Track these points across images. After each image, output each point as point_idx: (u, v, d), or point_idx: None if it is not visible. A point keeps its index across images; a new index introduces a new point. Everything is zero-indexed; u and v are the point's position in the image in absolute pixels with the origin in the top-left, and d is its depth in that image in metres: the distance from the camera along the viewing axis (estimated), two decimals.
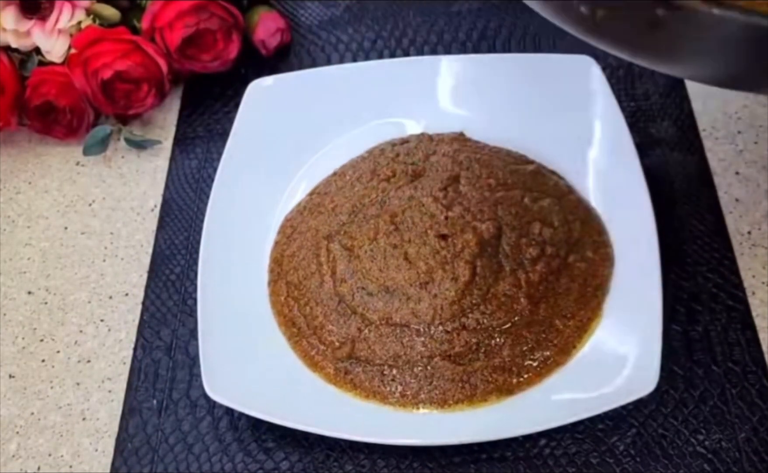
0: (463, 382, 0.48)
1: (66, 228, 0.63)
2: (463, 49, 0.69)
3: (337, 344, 0.50)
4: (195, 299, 0.54)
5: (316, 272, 0.53)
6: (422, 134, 0.61)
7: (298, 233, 0.57)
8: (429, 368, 0.48)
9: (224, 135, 0.61)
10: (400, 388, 0.48)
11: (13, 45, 0.66)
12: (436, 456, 0.48)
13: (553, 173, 0.57)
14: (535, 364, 0.48)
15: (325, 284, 0.53)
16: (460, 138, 0.60)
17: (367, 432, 0.47)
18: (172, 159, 0.65)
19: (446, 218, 0.53)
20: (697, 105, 0.62)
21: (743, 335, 0.50)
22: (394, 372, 0.49)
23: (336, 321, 0.51)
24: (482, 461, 0.47)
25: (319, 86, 0.63)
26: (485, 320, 0.49)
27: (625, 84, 0.63)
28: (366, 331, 0.50)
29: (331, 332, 0.51)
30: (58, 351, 0.56)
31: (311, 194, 0.60)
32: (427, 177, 0.56)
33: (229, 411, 0.50)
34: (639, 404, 0.45)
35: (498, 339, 0.49)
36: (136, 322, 0.56)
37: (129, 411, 0.52)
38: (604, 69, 0.59)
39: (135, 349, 0.55)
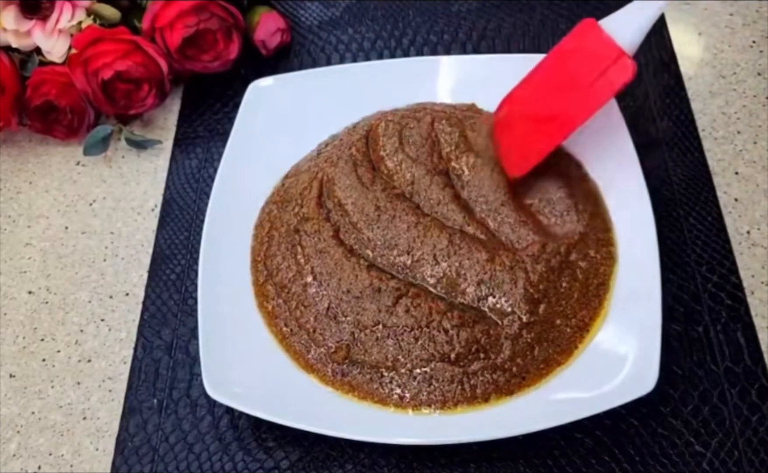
0: (463, 384, 0.48)
1: (66, 228, 0.63)
2: (463, 49, 0.69)
3: (332, 348, 0.50)
4: (195, 299, 0.54)
5: (297, 275, 0.53)
6: (425, 105, 0.61)
7: (275, 230, 0.56)
8: (428, 370, 0.48)
9: (224, 135, 0.61)
10: (398, 390, 0.48)
11: (14, 45, 0.66)
12: (436, 456, 0.48)
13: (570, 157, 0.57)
14: (535, 364, 0.48)
15: (309, 288, 0.52)
16: (472, 107, 0.60)
17: (367, 432, 0.47)
18: (173, 159, 0.65)
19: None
20: (696, 105, 0.62)
21: (743, 335, 0.50)
22: (393, 374, 0.49)
23: (328, 326, 0.51)
24: (482, 461, 0.47)
25: (319, 86, 0.63)
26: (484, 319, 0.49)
27: None
28: (361, 335, 0.50)
29: (323, 336, 0.51)
30: (59, 351, 0.56)
31: (284, 179, 0.60)
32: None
33: (230, 411, 0.50)
34: (639, 404, 0.45)
35: (499, 341, 0.49)
36: (137, 322, 0.56)
37: (129, 410, 0.52)
38: None
39: (135, 348, 0.55)
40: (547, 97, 0.53)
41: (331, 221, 0.54)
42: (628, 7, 0.51)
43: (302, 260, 0.53)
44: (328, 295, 0.51)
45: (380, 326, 0.50)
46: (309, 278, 0.53)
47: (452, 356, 0.48)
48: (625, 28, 0.51)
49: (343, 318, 0.51)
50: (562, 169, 0.56)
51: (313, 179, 0.58)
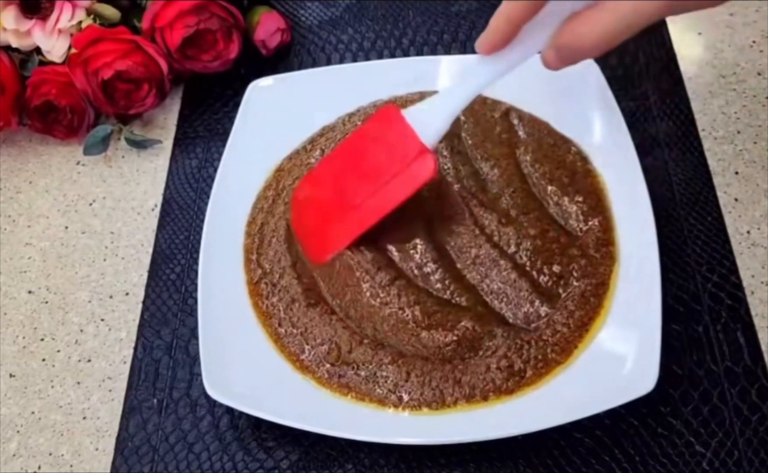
0: (462, 383, 0.48)
1: (66, 228, 0.63)
2: (463, 49, 0.69)
3: (325, 349, 0.50)
4: (195, 299, 0.54)
5: (290, 267, 0.53)
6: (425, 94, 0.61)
7: (266, 224, 0.56)
8: (425, 369, 0.48)
9: (224, 135, 0.61)
10: (396, 390, 0.48)
11: (14, 45, 0.66)
12: (436, 456, 0.48)
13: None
14: (534, 363, 0.48)
15: (302, 277, 0.53)
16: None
17: (367, 432, 0.47)
18: (173, 159, 0.65)
19: None
20: (696, 105, 0.62)
21: (743, 335, 0.50)
22: (389, 374, 0.48)
23: (318, 325, 0.51)
24: (482, 461, 0.47)
25: (319, 86, 0.63)
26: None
27: (625, 84, 0.63)
28: (354, 334, 0.50)
29: (315, 336, 0.51)
30: (59, 351, 0.56)
31: (275, 172, 0.60)
32: None
33: (230, 410, 0.50)
34: (639, 403, 0.45)
35: (496, 338, 0.49)
36: (137, 321, 0.56)
37: (129, 410, 0.52)
38: (603, 69, 0.59)
39: (135, 348, 0.55)
40: (348, 185, 0.52)
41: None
42: (433, 98, 0.50)
43: (295, 247, 0.54)
44: (310, 284, 0.52)
45: (374, 314, 0.50)
46: (303, 265, 0.53)
47: (449, 354, 0.48)
48: (428, 121, 0.50)
49: (332, 313, 0.51)
50: (568, 162, 0.56)
51: (308, 165, 0.58)
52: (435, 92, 0.61)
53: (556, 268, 0.50)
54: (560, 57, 0.43)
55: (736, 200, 0.56)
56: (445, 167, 0.56)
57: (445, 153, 0.56)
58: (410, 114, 0.50)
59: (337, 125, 0.62)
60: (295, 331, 0.51)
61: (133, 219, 0.62)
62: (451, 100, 0.49)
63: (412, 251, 0.52)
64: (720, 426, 0.47)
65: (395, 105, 0.52)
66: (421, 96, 0.61)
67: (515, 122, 0.58)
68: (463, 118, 0.59)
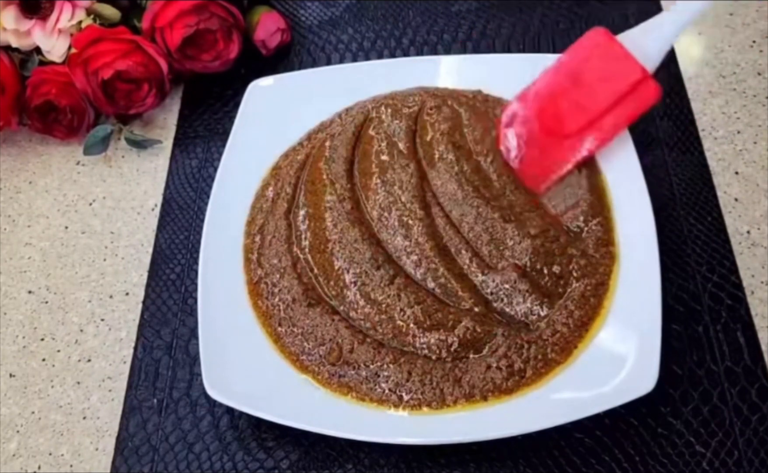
0: (462, 382, 0.48)
1: (66, 228, 0.63)
2: (463, 49, 0.69)
3: (325, 349, 0.50)
4: (195, 299, 0.54)
5: (290, 265, 0.54)
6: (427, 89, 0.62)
7: (267, 223, 0.57)
8: (426, 368, 0.48)
9: (224, 135, 0.61)
10: (397, 390, 0.48)
11: (14, 45, 0.66)
12: (436, 456, 0.48)
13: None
14: (534, 363, 0.48)
15: (302, 276, 0.53)
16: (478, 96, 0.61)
17: (367, 432, 0.47)
18: (173, 159, 0.65)
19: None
20: (696, 105, 0.62)
21: (743, 335, 0.50)
22: (390, 373, 0.48)
23: (318, 324, 0.51)
24: (482, 461, 0.47)
25: (319, 86, 0.63)
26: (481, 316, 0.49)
27: None
28: (357, 333, 0.50)
29: (315, 336, 0.50)
30: (59, 350, 0.56)
31: (272, 170, 0.60)
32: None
33: (230, 410, 0.50)
34: (639, 403, 0.45)
35: (496, 338, 0.49)
36: (137, 321, 0.56)
37: (129, 410, 0.52)
38: None
39: (135, 348, 0.55)
40: (562, 111, 0.51)
41: (337, 190, 0.55)
42: (647, 23, 0.49)
43: (295, 248, 0.54)
44: (310, 283, 0.52)
45: (376, 315, 0.50)
46: (303, 252, 0.54)
47: (448, 353, 0.48)
48: (647, 45, 0.48)
49: (333, 313, 0.51)
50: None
51: (308, 156, 0.59)
52: (435, 91, 0.62)
53: (556, 268, 0.50)
54: None
55: (736, 200, 0.56)
56: (448, 161, 0.56)
57: (447, 148, 0.56)
58: (626, 38, 0.49)
59: (334, 119, 0.62)
60: (295, 331, 0.51)
61: (133, 219, 0.62)
62: (670, 24, 0.48)
63: (412, 249, 0.52)
64: (720, 426, 0.47)
65: (605, 29, 0.50)
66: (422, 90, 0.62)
67: None
68: (465, 114, 0.59)
